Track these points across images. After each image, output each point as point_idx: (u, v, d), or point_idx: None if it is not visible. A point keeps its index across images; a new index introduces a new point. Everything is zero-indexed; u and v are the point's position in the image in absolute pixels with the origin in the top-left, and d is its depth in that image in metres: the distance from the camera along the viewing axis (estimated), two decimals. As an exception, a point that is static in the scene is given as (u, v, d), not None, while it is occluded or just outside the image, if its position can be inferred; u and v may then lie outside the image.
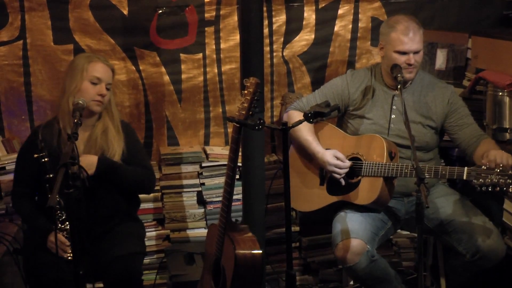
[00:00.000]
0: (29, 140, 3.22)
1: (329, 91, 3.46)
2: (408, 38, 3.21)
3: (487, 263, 3.15)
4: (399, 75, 3.15)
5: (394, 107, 3.35)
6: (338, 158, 3.25)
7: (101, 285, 3.23)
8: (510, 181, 2.85)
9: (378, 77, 3.41)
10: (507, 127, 3.47)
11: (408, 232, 3.92)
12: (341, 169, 3.24)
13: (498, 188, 2.89)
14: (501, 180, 2.87)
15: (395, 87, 3.32)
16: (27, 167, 3.18)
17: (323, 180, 3.37)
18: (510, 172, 2.86)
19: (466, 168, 2.97)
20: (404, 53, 3.23)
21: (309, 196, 3.41)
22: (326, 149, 3.31)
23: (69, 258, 2.96)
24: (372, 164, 3.19)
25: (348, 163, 3.25)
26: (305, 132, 3.37)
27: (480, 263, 3.15)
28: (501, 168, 2.88)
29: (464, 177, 2.97)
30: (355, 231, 3.14)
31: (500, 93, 3.46)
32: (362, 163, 3.23)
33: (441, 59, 3.97)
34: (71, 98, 3.10)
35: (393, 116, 3.34)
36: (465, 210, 3.26)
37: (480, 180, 2.90)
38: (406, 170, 3.11)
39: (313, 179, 3.41)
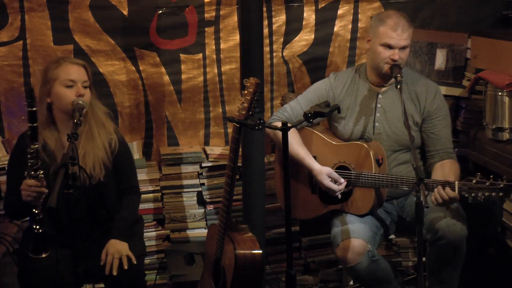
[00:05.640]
0: (18, 146, 3.11)
1: (313, 95, 3.39)
2: (396, 33, 3.18)
3: (449, 244, 3.04)
4: (398, 75, 3.14)
5: (378, 105, 3.32)
6: (332, 179, 3.19)
7: (102, 285, 3.22)
8: (502, 194, 2.82)
9: (362, 75, 3.37)
10: (507, 127, 3.47)
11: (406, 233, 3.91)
12: (336, 191, 3.20)
13: (491, 201, 2.86)
14: (493, 194, 2.84)
15: (379, 85, 3.31)
16: (20, 175, 2.91)
17: (315, 189, 3.34)
18: (501, 185, 2.82)
19: (456, 182, 2.93)
20: (390, 47, 3.20)
21: (303, 204, 3.38)
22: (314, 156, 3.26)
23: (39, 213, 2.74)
24: (362, 175, 3.16)
25: (343, 185, 3.18)
26: (296, 146, 3.28)
27: (442, 244, 3.04)
28: (491, 181, 2.85)
29: (456, 192, 2.92)
30: (355, 231, 3.13)
31: (500, 93, 3.46)
32: (351, 173, 3.21)
33: (440, 59, 3.97)
34: (44, 106, 3.05)
35: (377, 114, 3.31)
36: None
37: (473, 194, 2.87)
38: (397, 182, 3.09)
39: (304, 187, 3.38)
